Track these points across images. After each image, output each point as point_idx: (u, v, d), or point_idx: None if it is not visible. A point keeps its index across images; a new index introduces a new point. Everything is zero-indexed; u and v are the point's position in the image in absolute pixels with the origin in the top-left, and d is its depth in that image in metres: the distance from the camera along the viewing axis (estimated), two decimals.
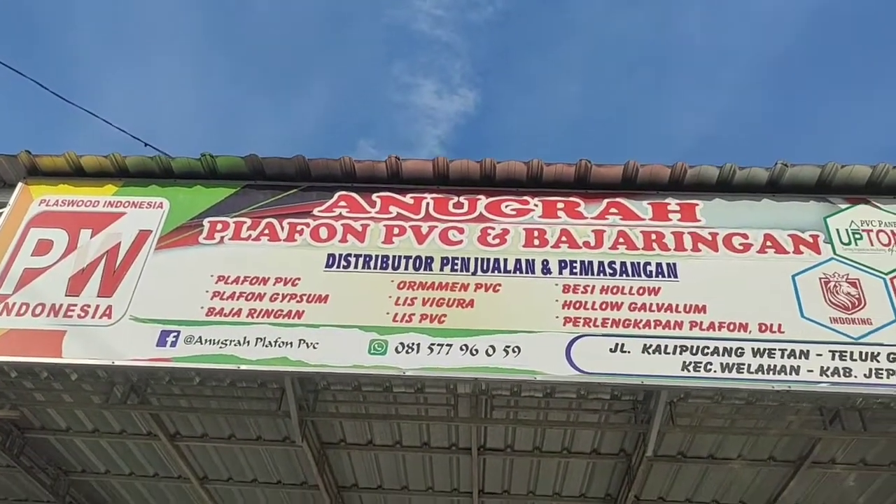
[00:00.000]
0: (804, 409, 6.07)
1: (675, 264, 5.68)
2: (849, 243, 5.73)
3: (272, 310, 5.54)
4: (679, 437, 7.41)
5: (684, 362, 5.20)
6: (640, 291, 5.55)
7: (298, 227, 5.99)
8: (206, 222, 6.06)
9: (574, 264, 5.71)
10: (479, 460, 8.12)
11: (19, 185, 6.40)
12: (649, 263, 5.70)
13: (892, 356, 5.15)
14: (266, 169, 6.19)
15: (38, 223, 6.15)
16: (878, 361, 5.14)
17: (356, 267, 5.77)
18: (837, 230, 5.82)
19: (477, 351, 5.29)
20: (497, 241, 5.86)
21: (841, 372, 5.12)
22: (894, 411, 5.79)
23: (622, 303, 5.49)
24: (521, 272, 5.69)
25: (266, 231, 5.99)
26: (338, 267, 5.77)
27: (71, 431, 7.66)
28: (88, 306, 5.66)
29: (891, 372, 5.10)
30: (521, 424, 7.61)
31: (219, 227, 6.03)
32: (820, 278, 5.56)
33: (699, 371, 5.16)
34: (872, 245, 5.72)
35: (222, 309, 5.55)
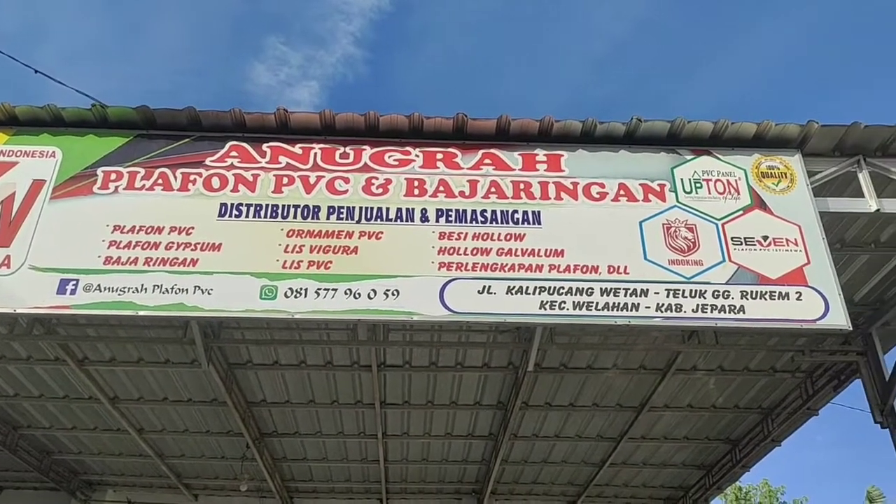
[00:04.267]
0: (666, 327, 6.87)
1: (539, 212, 6.17)
2: (690, 192, 6.31)
3: (167, 258, 5.78)
4: (560, 352, 8.31)
5: (542, 301, 5.78)
6: (508, 238, 6.03)
7: (191, 177, 6.16)
8: (100, 172, 6.16)
9: (450, 213, 6.13)
10: (380, 376, 8.86)
11: None
12: (517, 211, 6.16)
13: (716, 293, 5.87)
14: (158, 119, 6.30)
15: None
16: (704, 298, 5.85)
17: (247, 216, 6.01)
18: (682, 179, 6.37)
19: (360, 294, 5.72)
20: (380, 190, 6.19)
21: (673, 308, 5.81)
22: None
23: (491, 248, 5.97)
24: (402, 220, 6.07)
25: (160, 181, 6.13)
26: (230, 216, 6.01)
27: None
28: None
29: (714, 307, 5.83)
30: (416, 346, 8.33)
31: (113, 176, 6.14)
32: (663, 224, 6.13)
33: (554, 309, 5.77)
34: (710, 193, 6.30)
35: (119, 258, 5.76)
